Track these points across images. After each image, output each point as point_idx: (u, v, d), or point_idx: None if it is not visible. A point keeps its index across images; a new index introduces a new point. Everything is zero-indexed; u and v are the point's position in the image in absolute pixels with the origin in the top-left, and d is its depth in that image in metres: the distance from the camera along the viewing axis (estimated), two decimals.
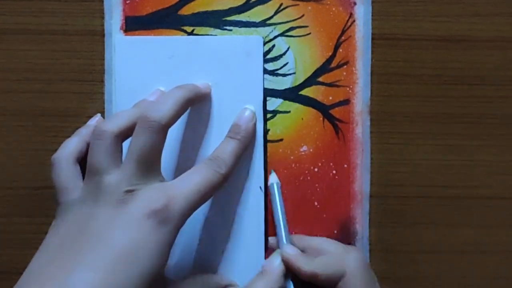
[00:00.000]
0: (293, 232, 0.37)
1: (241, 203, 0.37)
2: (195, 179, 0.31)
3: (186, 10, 0.37)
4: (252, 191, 0.37)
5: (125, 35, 0.37)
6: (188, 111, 0.36)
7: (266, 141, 0.37)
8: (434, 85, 0.38)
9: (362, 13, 0.37)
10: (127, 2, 0.37)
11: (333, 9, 0.37)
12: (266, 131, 0.37)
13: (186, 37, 0.37)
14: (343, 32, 0.37)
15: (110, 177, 0.30)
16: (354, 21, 0.37)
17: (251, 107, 0.36)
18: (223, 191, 0.36)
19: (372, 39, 0.37)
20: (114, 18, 0.37)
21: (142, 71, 0.37)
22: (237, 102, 0.37)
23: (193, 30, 0.37)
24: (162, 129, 0.30)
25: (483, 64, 0.38)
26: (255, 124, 0.36)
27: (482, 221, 0.38)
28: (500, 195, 0.38)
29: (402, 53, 0.38)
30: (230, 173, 0.33)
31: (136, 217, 0.29)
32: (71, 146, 0.33)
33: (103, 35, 0.37)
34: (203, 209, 0.37)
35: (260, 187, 0.37)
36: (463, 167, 0.38)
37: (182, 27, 0.37)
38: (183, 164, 0.37)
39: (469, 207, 0.38)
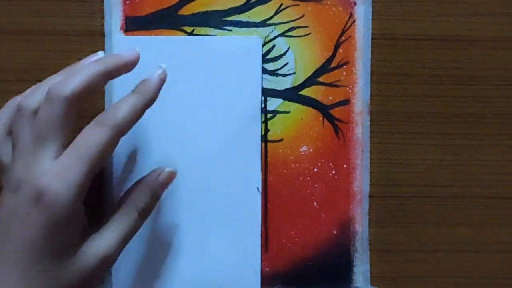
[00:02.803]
0: (292, 233, 0.37)
1: (237, 203, 0.37)
2: (81, 143, 0.30)
3: (186, 10, 0.37)
4: (248, 191, 0.37)
5: (125, 35, 0.37)
6: (188, 110, 0.37)
7: (266, 141, 0.37)
8: (434, 85, 0.38)
9: (362, 13, 0.37)
10: (127, 2, 0.37)
11: (333, 9, 0.37)
12: (266, 131, 0.37)
13: (185, 37, 0.37)
14: (343, 32, 0.37)
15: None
16: (354, 21, 0.37)
17: (164, 65, 0.34)
18: (219, 191, 0.36)
19: (372, 39, 0.37)
20: (114, 18, 0.37)
21: (142, 71, 0.36)
22: (236, 102, 0.37)
23: (193, 30, 0.37)
24: (64, 102, 0.30)
25: (482, 64, 0.38)
26: (161, 80, 0.33)
27: (481, 220, 0.38)
28: (499, 195, 0.38)
29: (402, 53, 0.38)
30: (123, 128, 0.31)
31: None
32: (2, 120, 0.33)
33: (103, 35, 0.37)
34: (199, 208, 0.37)
35: (258, 188, 0.37)
36: (462, 167, 0.38)
37: (182, 27, 0.37)
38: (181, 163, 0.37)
39: (468, 207, 0.38)
